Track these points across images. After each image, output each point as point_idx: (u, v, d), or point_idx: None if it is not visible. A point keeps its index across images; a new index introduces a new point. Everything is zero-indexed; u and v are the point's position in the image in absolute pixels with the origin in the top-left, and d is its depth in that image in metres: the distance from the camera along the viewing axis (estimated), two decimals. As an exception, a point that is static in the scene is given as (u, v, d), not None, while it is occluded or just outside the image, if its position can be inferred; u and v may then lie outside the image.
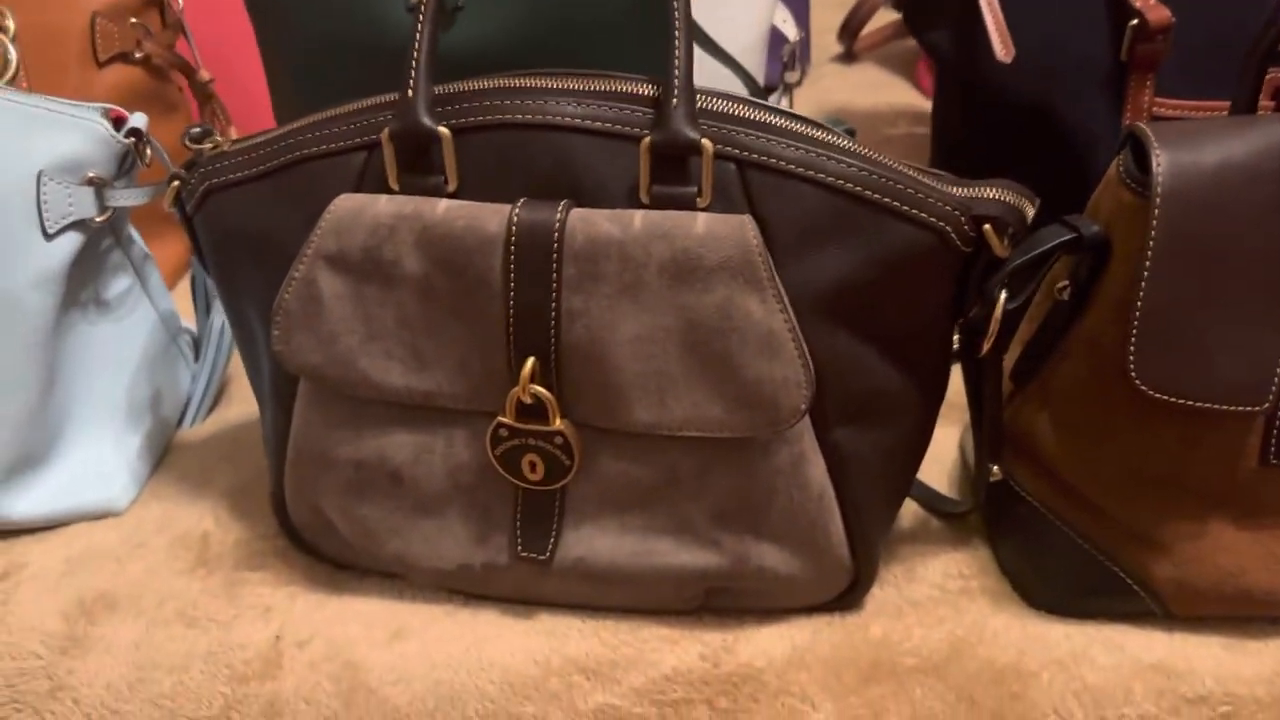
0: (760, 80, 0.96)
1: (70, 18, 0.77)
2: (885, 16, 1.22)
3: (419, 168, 0.50)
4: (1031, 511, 0.56)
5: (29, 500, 0.61)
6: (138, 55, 0.80)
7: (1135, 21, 0.62)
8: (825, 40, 1.23)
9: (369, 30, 0.67)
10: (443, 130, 0.49)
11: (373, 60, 0.67)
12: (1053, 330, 0.54)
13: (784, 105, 1.01)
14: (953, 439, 0.66)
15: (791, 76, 0.99)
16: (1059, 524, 0.55)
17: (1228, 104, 0.63)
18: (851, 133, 0.51)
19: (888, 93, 1.13)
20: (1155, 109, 0.64)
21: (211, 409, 0.72)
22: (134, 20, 0.80)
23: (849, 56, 1.22)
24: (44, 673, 0.55)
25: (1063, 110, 0.66)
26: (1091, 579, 0.55)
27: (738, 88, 0.92)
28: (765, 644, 0.54)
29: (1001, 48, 0.62)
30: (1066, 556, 0.55)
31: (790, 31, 0.98)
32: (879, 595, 0.57)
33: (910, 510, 0.61)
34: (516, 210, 0.48)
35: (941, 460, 0.65)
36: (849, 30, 1.18)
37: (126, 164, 0.62)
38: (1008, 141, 0.69)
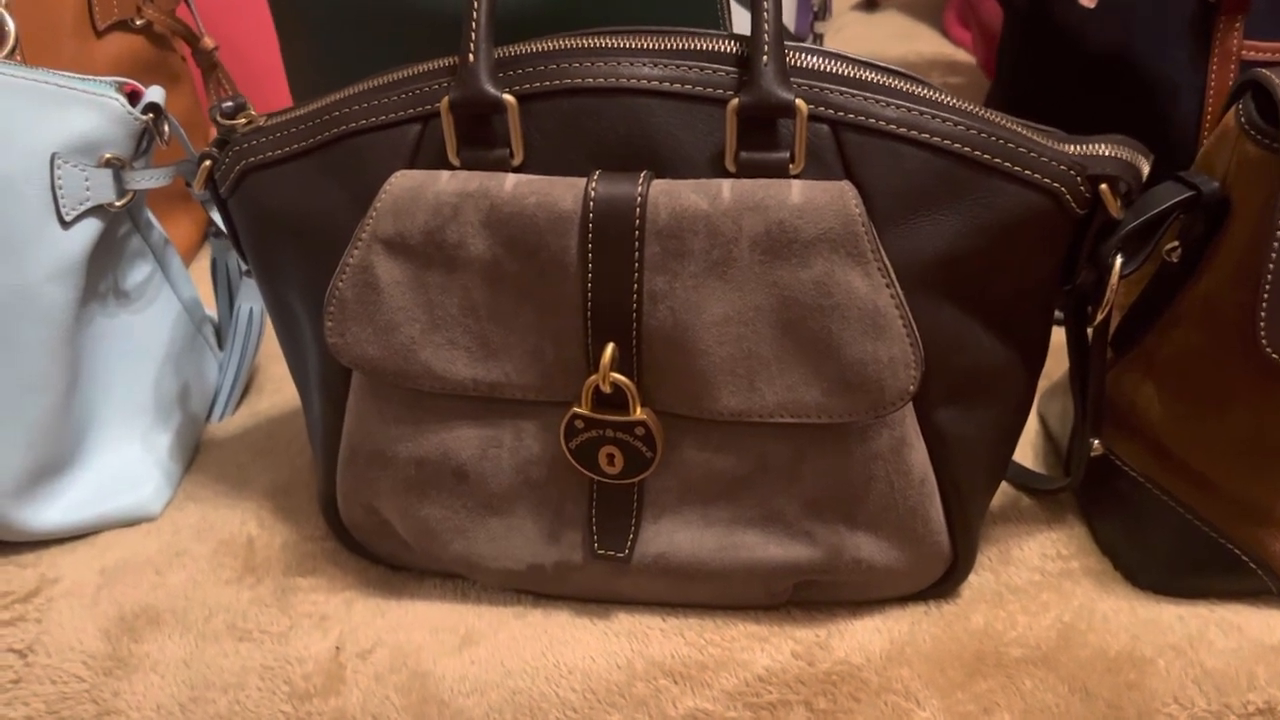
0: (792, 29, 0.91)
1: (65, -16, 0.72)
2: (907, -38, 1.17)
3: (481, 140, 0.46)
4: (1134, 486, 0.53)
5: (57, 509, 0.57)
6: (138, 23, 0.75)
7: (1225, -41, 0.58)
8: (845, -13, 1.18)
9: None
10: (508, 98, 0.45)
11: (399, 26, 0.63)
12: (1160, 294, 0.51)
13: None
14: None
15: (822, 27, 0.94)
16: (1165, 498, 0.52)
17: (1321, 44, 0.60)
18: None
19: (916, 41, 1.08)
20: (1244, 53, 0.60)
21: (240, 401, 0.68)
22: (132, -15, 0.74)
23: (871, 5, 1.17)
24: (88, 696, 0.51)
25: (1143, 56, 0.62)
26: (1201, 556, 0.52)
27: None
28: (861, 639, 0.51)
29: (1085, -9, 0.58)
30: (1174, 533, 0.52)
31: (821, -20, 0.93)
32: (975, 582, 0.54)
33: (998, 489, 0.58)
34: (593, 184, 0.44)
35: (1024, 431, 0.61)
36: (871, -23, 1.13)
37: (144, 143, 0.57)
38: (1082, 91, 0.65)
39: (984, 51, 0.96)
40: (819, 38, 0.97)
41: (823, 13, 0.95)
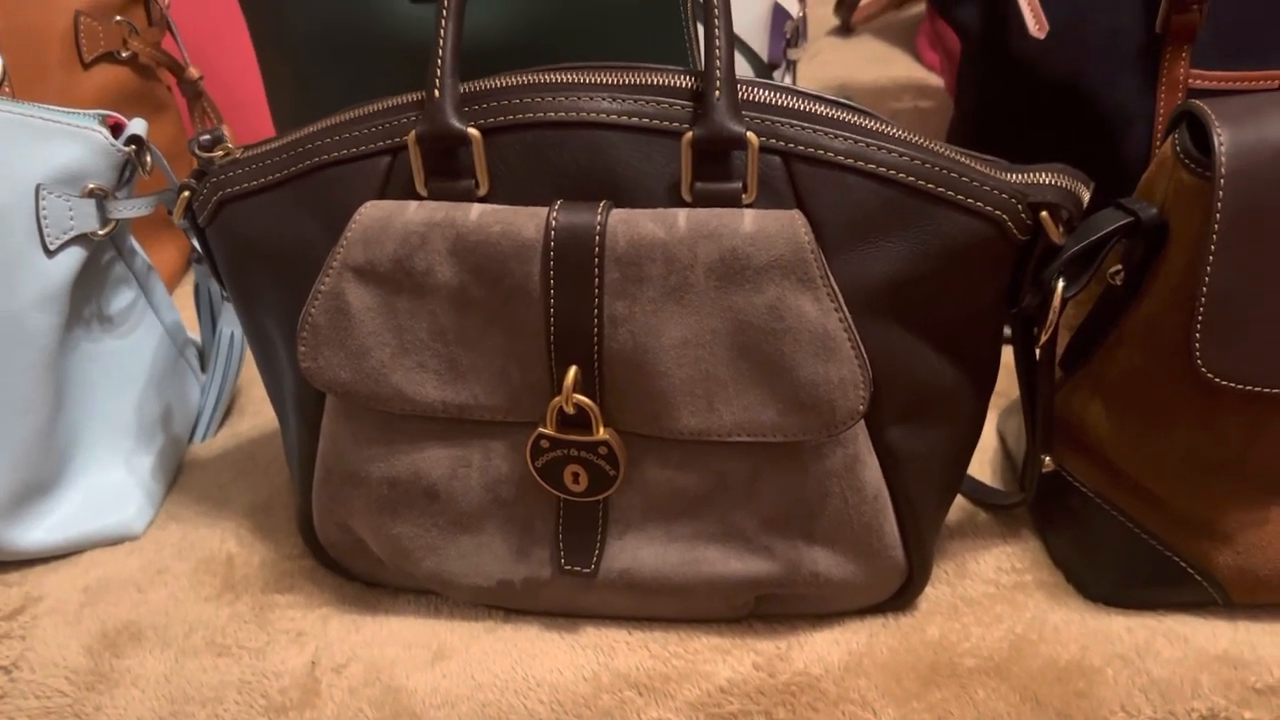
0: (764, 57, 0.93)
1: (52, 18, 0.74)
2: (881, -13, 1.20)
3: (447, 171, 0.48)
4: (1084, 501, 0.55)
5: (41, 529, 0.59)
6: (124, 54, 0.77)
7: (1170, -9, 0.60)
8: (820, 13, 1.21)
9: (371, 23, 0.65)
10: (473, 132, 0.46)
11: (377, 54, 0.65)
12: (1105, 316, 0.52)
13: (787, 82, 0.98)
14: (990, 425, 0.65)
15: (795, 53, 0.96)
16: (1114, 513, 0.54)
17: (1265, 74, 0.62)
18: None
19: (889, 66, 1.10)
20: (1191, 81, 0.62)
21: (222, 422, 0.70)
22: (119, 18, 0.76)
23: (846, 29, 1.19)
24: (71, 711, 0.52)
25: (1094, 85, 0.64)
26: (1150, 568, 0.53)
27: (742, 65, 0.89)
28: (820, 650, 0.53)
29: (1034, 23, 0.60)
30: (1123, 546, 0.54)
31: (793, 7, 0.95)
32: (932, 594, 0.55)
33: (955, 504, 0.60)
34: (554, 213, 0.46)
35: (981, 448, 0.63)
36: (845, 2, 1.16)
37: (127, 173, 0.59)
38: (1036, 119, 0.67)
39: (950, 76, 0.98)
40: (792, 64, 0.99)
41: (795, 39, 0.97)
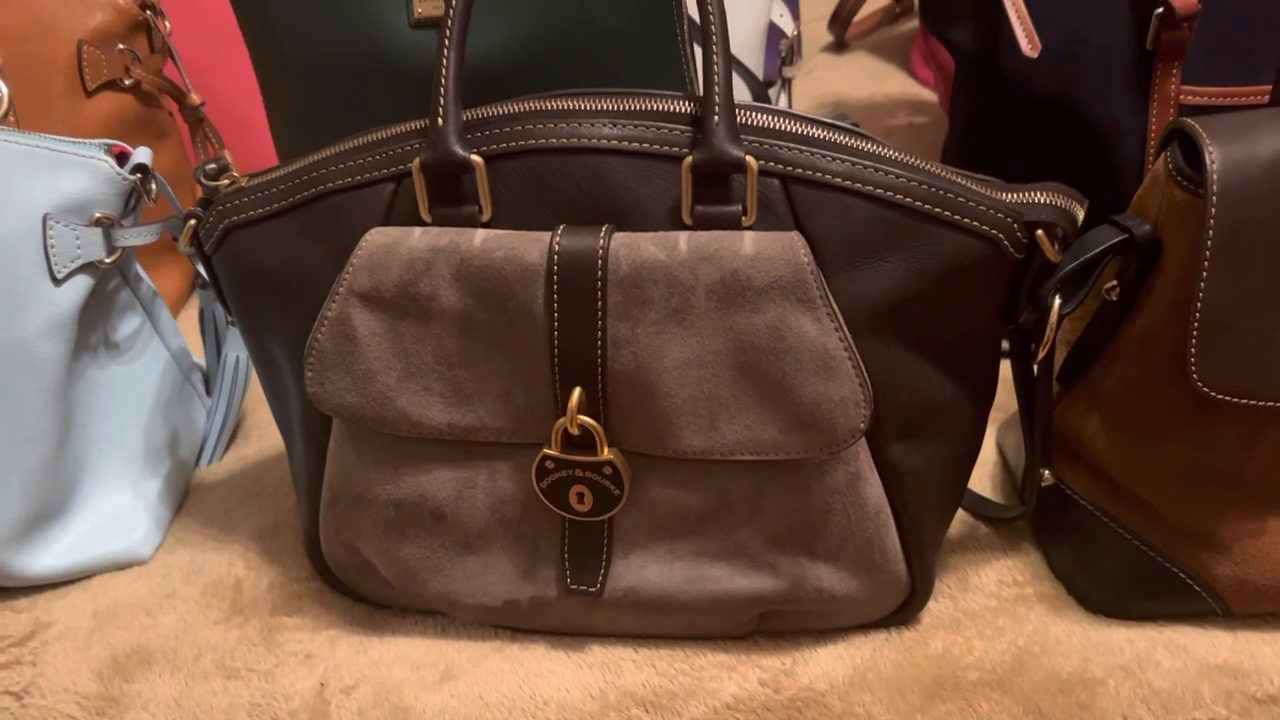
0: (760, 75, 0.94)
1: (55, 47, 0.75)
2: (875, 3, 1.21)
3: (451, 197, 0.48)
4: (1084, 514, 0.55)
5: (50, 555, 0.59)
6: (127, 82, 0.78)
7: (1161, 9, 0.61)
8: (814, 30, 1.22)
9: (372, 49, 0.65)
10: (476, 159, 0.47)
11: (377, 80, 0.66)
12: (1101, 331, 0.53)
13: (783, 100, 0.99)
14: (990, 440, 0.65)
15: (790, 71, 0.97)
16: (1113, 525, 0.54)
17: (1254, 89, 0.63)
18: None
19: (883, 82, 1.11)
20: (1181, 97, 0.63)
21: (228, 446, 0.70)
22: (121, 46, 0.77)
23: (840, 46, 1.20)
24: (82, 736, 0.53)
25: (1086, 102, 0.65)
26: (1149, 580, 0.54)
27: (738, 84, 0.90)
28: (825, 665, 0.53)
29: (1027, 42, 0.61)
30: (1122, 558, 0.54)
31: (788, 26, 0.96)
32: (934, 608, 0.56)
33: (956, 518, 0.60)
34: (557, 238, 0.47)
35: (981, 462, 0.64)
36: (840, 19, 1.17)
37: (132, 201, 0.60)
38: (1030, 136, 0.68)
39: (944, 92, 0.99)
40: (788, 81, 1.00)
41: (790, 57, 0.98)
